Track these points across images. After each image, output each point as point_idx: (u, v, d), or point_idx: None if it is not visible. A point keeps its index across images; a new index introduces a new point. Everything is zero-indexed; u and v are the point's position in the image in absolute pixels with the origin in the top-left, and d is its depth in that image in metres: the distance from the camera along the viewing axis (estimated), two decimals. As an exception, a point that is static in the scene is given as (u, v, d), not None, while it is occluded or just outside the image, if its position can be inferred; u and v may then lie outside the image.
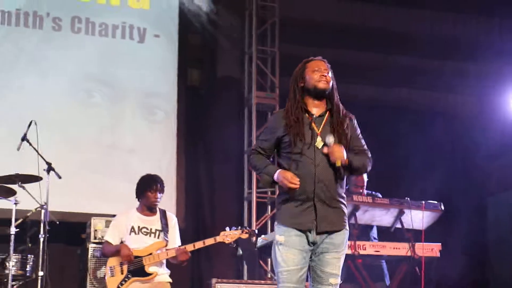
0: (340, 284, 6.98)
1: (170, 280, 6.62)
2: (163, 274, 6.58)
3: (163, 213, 6.74)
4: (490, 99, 9.68)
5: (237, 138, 9.53)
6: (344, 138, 4.51)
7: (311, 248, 4.49)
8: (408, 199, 7.05)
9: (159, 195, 6.65)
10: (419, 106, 10.22)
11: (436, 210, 7.14)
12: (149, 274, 6.48)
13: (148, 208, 6.67)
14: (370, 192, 7.49)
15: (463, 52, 10.07)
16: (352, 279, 7.03)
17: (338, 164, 4.41)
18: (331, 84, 4.58)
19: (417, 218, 7.05)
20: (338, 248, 4.50)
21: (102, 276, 7.28)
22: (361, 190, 7.43)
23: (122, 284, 6.46)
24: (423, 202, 7.07)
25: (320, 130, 4.53)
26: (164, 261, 6.61)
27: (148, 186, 6.65)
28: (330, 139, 4.45)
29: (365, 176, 7.56)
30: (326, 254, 4.48)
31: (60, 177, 7.12)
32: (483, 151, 9.88)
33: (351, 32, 10.01)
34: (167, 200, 8.43)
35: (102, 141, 8.87)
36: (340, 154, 4.42)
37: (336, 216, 4.49)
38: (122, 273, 6.49)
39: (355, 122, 4.67)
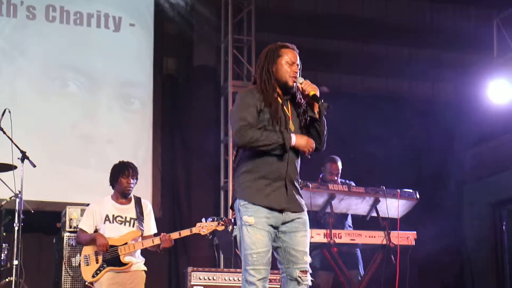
0: (315, 272, 7.09)
1: (145, 268, 6.60)
2: (138, 263, 6.57)
3: (138, 201, 6.71)
4: (468, 87, 9.72)
5: (214, 127, 9.52)
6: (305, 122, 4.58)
7: (274, 229, 4.49)
8: (384, 187, 7.07)
9: (132, 180, 6.60)
10: (393, 94, 10.25)
11: (411, 198, 7.17)
12: (125, 264, 6.46)
13: (122, 194, 6.63)
14: (344, 180, 7.51)
15: (440, 40, 10.12)
16: (327, 267, 7.06)
17: (312, 92, 4.49)
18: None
19: (393, 206, 7.07)
20: (306, 226, 4.53)
21: (77, 264, 7.25)
22: (335, 178, 7.46)
23: (97, 274, 6.44)
24: (399, 190, 7.09)
25: (290, 114, 4.59)
26: (139, 249, 6.59)
27: (120, 172, 6.62)
28: (300, 79, 4.56)
29: (339, 164, 7.59)
30: (297, 233, 4.49)
31: (34, 166, 7.06)
32: (460, 139, 9.95)
33: (327, 21, 10.02)
34: (144, 189, 8.43)
35: (78, 130, 8.82)
36: (314, 86, 4.52)
37: (300, 197, 4.56)
38: (97, 262, 6.47)
39: None
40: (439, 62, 10.31)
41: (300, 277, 4.47)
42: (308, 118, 4.60)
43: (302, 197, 4.59)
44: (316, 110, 4.58)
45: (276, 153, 4.47)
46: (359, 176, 7.76)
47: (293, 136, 4.48)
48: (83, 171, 8.52)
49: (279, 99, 4.60)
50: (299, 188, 4.59)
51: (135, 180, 6.65)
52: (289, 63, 4.61)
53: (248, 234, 4.44)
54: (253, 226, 4.44)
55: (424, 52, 10.38)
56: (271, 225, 4.47)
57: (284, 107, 4.60)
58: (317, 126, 4.62)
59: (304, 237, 4.50)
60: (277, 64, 4.62)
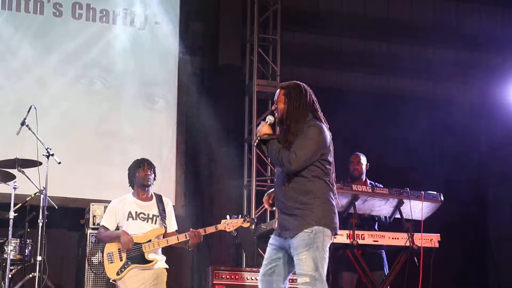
0: (339, 273, 7.07)
1: (167, 266, 6.61)
2: (161, 261, 6.57)
3: (159, 198, 6.72)
4: (493, 89, 9.65)
5: (238, 126, 9.51)
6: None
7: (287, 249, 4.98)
8: (408, 189, 7.03)
9: (149, 172, 6.63)
10: (418, 94, 10.19)
11: (435, 200, 7.12)
12: (149, 261, 6.46)
13: (141, 187, 6.64)
14: (373, 183, 7.50)
15: (464, 41, 10.05)
16: (350, 268, 7.03)
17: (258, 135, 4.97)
18: (281, 115, 5.03)
19: (417, 208, 7.03)
20: (296, 250, 4.84)
21: (100, 261, 7.27)
22: (358, 170, 7.47)
23: (121, 271, 6.44)
24: (423, 192, 7.05)
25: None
26: (161, 248, 6.59)
27: (136, 167, 6.66)
28: (268, 117, 5.02)
29: (362, 158, 7.59)
30: (293, 257, 4.89)
31: (59, 163, 7.10)
32: (485, 141, 9.87)
33: (353, 20, 9.98)
34: (167, 188, 8.46)
35: (102, 128, 8.85)
36: (259, 128, 4.99)
37: (292, 222, 4.87)
38: (121, 260, 6.47)
39: (307, 130, 4.91)
40: (464, 63, 10.23)
41: None
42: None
43: (300, 220, 4.85)
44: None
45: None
46: (384, 177, 7.72)
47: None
48: (107, 168, 8.54)
49: None
50: (300, 210, 4.86)
51: (152, 174, 6.65)
52: None
53: None
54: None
55: (450, 53, 10.30)
56: (281, 243, 5.04)
57: None
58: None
59: (297, 260, 4.88)
60: None
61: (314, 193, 4.87)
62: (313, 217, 4.83)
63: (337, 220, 4.96)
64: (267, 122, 5.00)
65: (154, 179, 6.73)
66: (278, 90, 5.10)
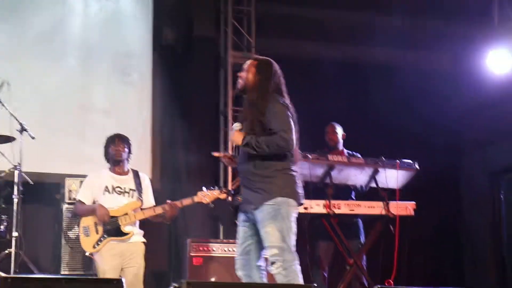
0: (315, 242, 7.13)
1: (145, 240, 6.62)
2: (138, 234, 6.58)
3: (136, 174, 6.73)
4: (467, 56, 9.66)
5: (214, 99, 9.48)
6: (250, 124, 5.06)
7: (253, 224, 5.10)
8: (383, 158, 7.07)
9: (121, 147, 6.63)
10: (390, 64, 10.18)
11: (410, 169, 7.17)
12: (126, 234, 6.47)
13: (114, 163, 6.65)
14: (349, 152, 7.53)
15: (439, 8, 10.02)
16: (327, 237, 7.08)
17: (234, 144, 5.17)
18: (244, 83, 5.18)
19: (392, 177, 7.07)
20: (261, 223, 4.96)
21: (77, 236, 7.27)
22: (334, 139, 7.52)
23: (98, 244, 6.45)
24: (398, 161, 7.09)
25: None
26: (138, 222, 6.60)
27: (109, 142, 6.70)
28: (235, 125, 5.15)
29: (338, 129, 7.62)
30: (260, 231, 5.03)
31: (33, 138, 7.07)
32: (457, 108, 9.91)
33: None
34: (143, 161, 8.43)
35: (76, 102, 8.76)
36: (233, 138, 5.11)
37: (255, 196, 4.99)
38: (97, 233, 6.48)
39: (273, 107, 5.05)
40: (437, 31, 10.22)
41: None
42: None
43: (262, 193, 5.00)
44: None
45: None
46: (359, 147, 7.74)
47: None
48: (82, 143, 8.48)
49: None
50: (263, 184, 5.02)
51: (125, 149, 6.64)
52: None
53: None
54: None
55: (422, 21, 10.27)
56: (247, 221, 5.21)
57: None
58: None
59: (263, 233, 5.02)
60: None
61: (275, 166, 5.00)
62: (275, 189, 4.96)
63: (300, 190, 5.09)
64: (236, 129, 5.11)
65: (130, 153, 6.72)
66: (249, 61, 5.17)
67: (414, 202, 7.01)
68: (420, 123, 9.45)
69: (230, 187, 8.83)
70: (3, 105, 7.11)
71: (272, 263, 4.95)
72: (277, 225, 4.91)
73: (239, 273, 5.19)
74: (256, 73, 5.15)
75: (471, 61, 9.15)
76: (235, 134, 5.07)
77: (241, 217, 5.18)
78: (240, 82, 5.20)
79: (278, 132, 4.98)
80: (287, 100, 5.19)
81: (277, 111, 5.05)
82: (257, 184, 5.01)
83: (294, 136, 5.05)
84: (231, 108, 9.24)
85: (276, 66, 5.25)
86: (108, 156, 6.71)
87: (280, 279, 4.93)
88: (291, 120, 5.08)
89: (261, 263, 5.18)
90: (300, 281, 4.96)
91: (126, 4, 9.13)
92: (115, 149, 6.64)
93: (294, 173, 5.08)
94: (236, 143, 5.08)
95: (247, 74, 5.16)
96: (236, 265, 5.20)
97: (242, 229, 5.18)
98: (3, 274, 6.54)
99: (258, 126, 5.04)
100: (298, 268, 4.98)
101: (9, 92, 7.02)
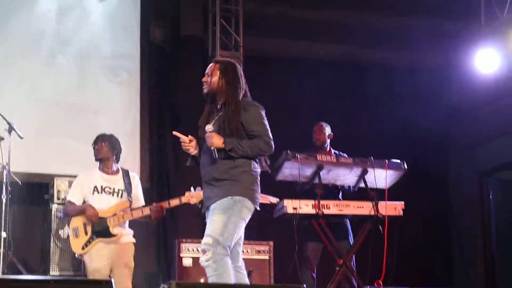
0: (304, 243, 7.13)
1: (134, 240, 6.61)
2: (127, 235, 6.57)
3: (126, 173, 6.72)
4: (454, 55, 9.67)
5: (201, 98, 9.44)
6: (228, 126, 5.01)
7: None
8: (372, 158, 7.08)
9: (100, 146, 6.65)
10: (377, 64, 10.19)
11: (399, 169, 7.16)
12: (114, 235, 6.46)
13: (101, 162, 6.67)
14: (338, 152, 7.52)
15: (427, 8, 10.03)
16: (316, 238, 7.08)
17: (212, 147, 5.04)
18: (210, 87, 5.14)
19: (381, 177, 7.08)
20: (212, 212, 4.99)
21: (66, 236, 7.25)
22: (320, 139, 7.49)
23: (86, 245, 6.44)
24: (386, 161, 7.09)
25: (213, 122, 5.12)
26: (127, 222, 6.59)
27: (93, 142, 6.73)
28: (208, 127, 5.06)
29: (325, 128, 7.60)
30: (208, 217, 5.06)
31: (21, 137, 7.05)
32: (446, 107, 9.94)
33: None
34: (132, 160, 8.41)
35: (65, 101, 8.73)
36: (212, 141, 5.01)
37: (217, 191, 5.00)
38: (86, 234, 6.47)
39: (249, 110, 5.08)
40: (425, 31, 10.23)
41: None
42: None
43: (224, 190, 5.00)
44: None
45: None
46: (346, 146, 7.75)
47: None
48: (70, 142, 8.45)
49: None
50: (226, 181, 5.01)
51: (107, 148, 6.65)
52: None
53: None
54: None
55: (410, 20, 10.29)
56: None
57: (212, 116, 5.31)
58: None
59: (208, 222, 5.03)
60: None
61: (242, 167, 5.01)
62: (238, 188, 4.98)
63: (259, 196, 5.11)
64: (211, 131, 5.07)
65: (115, 152, 6.70)
66: (212, 64, 5.19)
67: (403, 202, 7.02)
68: (408, 123, 9.48)
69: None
70: (-10, 105, 7.09)
71: (203, 251, 4.94)
72: (224, 218, 4.93)
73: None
74: (221, 76, 5.13)
75: (460, 61, 9.15)
76: (214, 137, 5.02)
77: (206, 215, 5.14)
78: (205, 86, 5.16)
79: (262, 136, 5.02)
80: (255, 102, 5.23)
81: (255, 114, 5.09)
82: (223, 181, 5.00)
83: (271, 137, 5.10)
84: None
85: (239, 68, 5.26)
86: (95, 155, 6.72)
87: (209, 272, 4.92)
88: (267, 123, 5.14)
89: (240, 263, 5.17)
90: (231, 276, 4.93)
91: (114, 4, 9.10)
92: (96, 148, 6.67)
93: (258, 177, 5.14)
94: (216, 146, 5.02)
95: (211, 78, 5.14)
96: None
97: None
98: (-9, 275, 6.52)
99: (237, 128, 5.03)
100: (228, 262, 4.94)
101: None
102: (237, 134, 5.01)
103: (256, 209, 5.12)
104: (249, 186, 5.03)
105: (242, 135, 5.04)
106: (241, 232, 5.08)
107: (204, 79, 5.17)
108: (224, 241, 4.90)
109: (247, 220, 5.08)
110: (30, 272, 7.40)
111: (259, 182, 5.15)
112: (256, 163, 5.13)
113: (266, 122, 5.13)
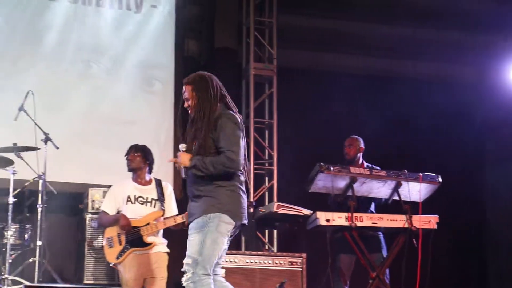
0: (337, 256, 7.09)
1: (168, 250, 6.63)
2: (161, 244, 6.59)
3: (159, 183, 6.76)
4: (491, 69, 9.62)
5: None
6: (200, 143, 4.92)
7: None
8: (406, 171, 7.04)
9: (133, 157, 6.71)
10: (416, 76, 10.17)
11: (433, 182, 7.11)
12: (148, 244, 6.49)
13: (134, 173, 6.72)
14: (369, 165, 7.49)
15: (461, 22, 10.00)
16: (349, 250, 7.05)
17: (180, 166, 5.00)
18: (194, 111, 5.01)
19: (415, 190, 7.04)
20: (189, 231, 4.94)
21: (100, 246, 7.30)
22: (351, 153, 7.44)
23: (121, 255, 6.47)
24: (421, 174, 7.05)
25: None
26: (161, 231, 6.62)
27: (126, 152, 6.78)
28: (181, 146, 5.01)
29: (357, 141, 7.55)
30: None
31: (57, 148, 7.13)
32: (482, 121, 9.88)
33: (349, 2, 9.94)
34: (165, 171, 8.44)
35: (100, 112, 8.83)
36: (180, 160, 4.95)
37: (196, 208, 4.94)
38: (120, 244, 6.50)
39: (223, 124, 4.91)
40: (460, 43, 10.20)
41: None
42: None
43: (204, 205, 4.91)
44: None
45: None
46: (381, 158, 7.73)
47: None
48: (105, 153, 8.52)
49: None
50: (206, 197, 4.92)
51: (139, 158, 6.71)
52: None
53: None
54: None
55: (450, 34, 10.25)
56: None
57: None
58: None
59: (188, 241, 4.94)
60: None
61: (219, 182, 4.91)
62: (215, 204, 4.89)
63: (241, 209, 4.97)
64: (182, 151, 4.99)
65: (148, 162, 6.75)
66: (184, 87, 5.11)
67: (437, 216, 6.96)
68: (443, 136, 9.43)
69: (252, 198, 8.84)
70: (27, 114, 7.16)
71: (184, 272, 4.90)
72: (200, 237, 4.86)
73: None
74: (195, 95, 5.06)
75: (495, 74, 9.12)
76: (182, 155, 4.96)
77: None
78: (190, 111, 5.08)
79: (225, 152, 4.87)
80: (235, 111, 5.10)
81: (226, 129, 4.91)
82: (202, 197, 4.93)
83: (242, 156, 4.92)
84: (253, 119, 9.28)
85: (208, 76, 5.15)
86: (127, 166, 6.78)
87: None
88: (240, 139, 4.95)
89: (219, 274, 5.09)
90: None
91: (150, 16, 9.18)
92: (128, 158, 6.72)
93: (238, 191, 4.99)
94: (183, 165, 4.96)
95: (191, 102, 5.07)
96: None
97: None
98: (27, 283, 6.58)
99: (209, 144, 4.93)
100: (208, 282, 4.83)
101: (33, 102, 7.06)
102: (204, 152, 4.89)
103: (242, 223, 5.00)
104: (226, 201, 4.91)
105: (211, 153, 4.91)
106: (224, 246, 4.98)
107: (185, 105, 5.10)
108: (203, 261, 4.83)
109: (229, 234, 4.95)
110: (64, 281, 7.44)
111: (241, 195, 5.00)
112: (235, 179, 4.98)
113: (237, 139, 4.94)
